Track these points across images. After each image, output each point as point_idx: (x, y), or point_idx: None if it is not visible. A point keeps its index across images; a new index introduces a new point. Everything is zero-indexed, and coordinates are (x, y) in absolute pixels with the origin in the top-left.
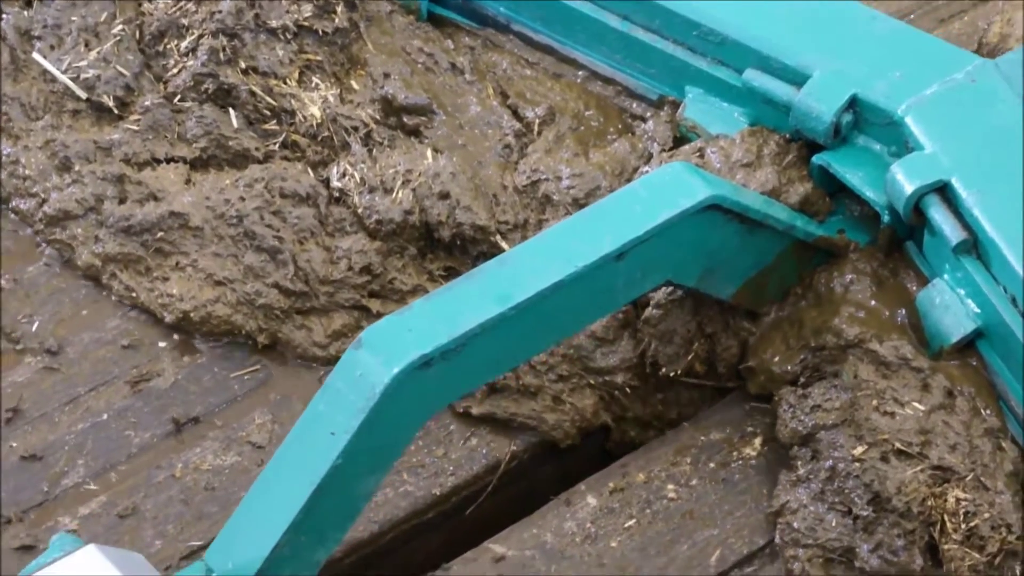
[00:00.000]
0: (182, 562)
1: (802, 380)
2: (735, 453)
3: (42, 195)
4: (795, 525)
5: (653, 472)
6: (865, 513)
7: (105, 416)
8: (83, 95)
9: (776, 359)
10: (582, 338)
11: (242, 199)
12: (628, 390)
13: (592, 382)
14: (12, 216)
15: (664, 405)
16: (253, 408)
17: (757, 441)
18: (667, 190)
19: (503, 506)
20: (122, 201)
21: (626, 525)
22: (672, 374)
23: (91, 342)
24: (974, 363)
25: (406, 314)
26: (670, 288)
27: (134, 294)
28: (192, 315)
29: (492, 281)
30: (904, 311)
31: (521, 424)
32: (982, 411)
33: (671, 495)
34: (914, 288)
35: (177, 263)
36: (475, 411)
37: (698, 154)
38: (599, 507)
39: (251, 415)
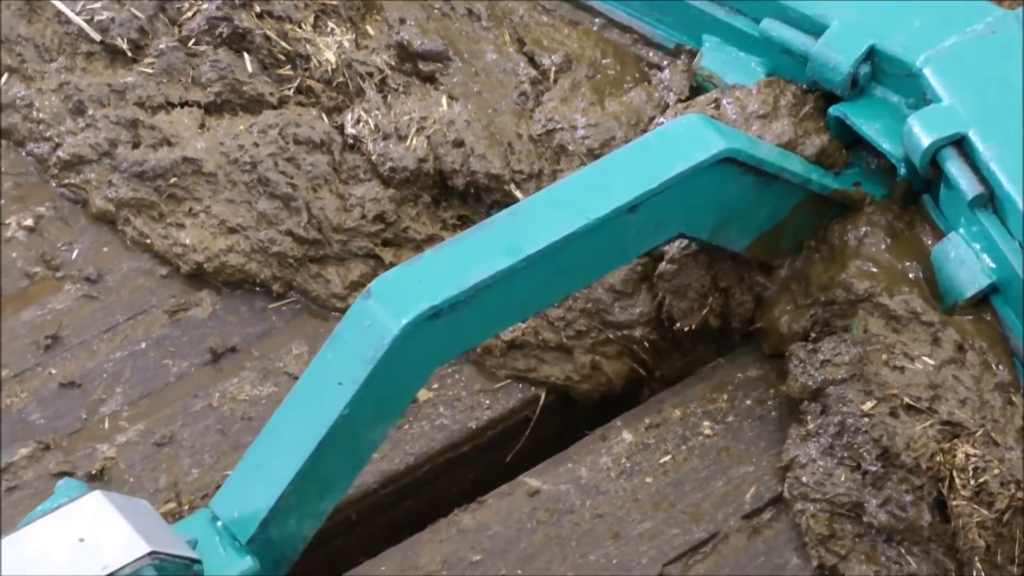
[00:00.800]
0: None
1: (812, 335)
2: (772, 391)
3: (56, 139)
4: (804, 479)
5: (689, 408)
6: (874, 468)
7: (143, 345)
8: (97, 37)
9: (784, 319)
10: (600, 292)
11: (256, 145)
12: (647, 344)
13: (611, 336)
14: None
15: (689, 368)
16: (290, 339)
17: None
18: (681, 142)
19: (538, 441)
20: (136, 146)
21: (661, 461)
22: (687, 328)
23: (130, 271)
24: (988, 318)
25: (415, 265)
26: (684, 242)
27: (148, 240)
28: (206, 265)
29: (503, 232)
30: (919, 264)
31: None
32: (993, 366)
33: (707, 431)
34: (929, 242)
35: (190, 209)
36: (500, 373)
37: (714, 105)
38: (635, 443)
39: (288, 346)
